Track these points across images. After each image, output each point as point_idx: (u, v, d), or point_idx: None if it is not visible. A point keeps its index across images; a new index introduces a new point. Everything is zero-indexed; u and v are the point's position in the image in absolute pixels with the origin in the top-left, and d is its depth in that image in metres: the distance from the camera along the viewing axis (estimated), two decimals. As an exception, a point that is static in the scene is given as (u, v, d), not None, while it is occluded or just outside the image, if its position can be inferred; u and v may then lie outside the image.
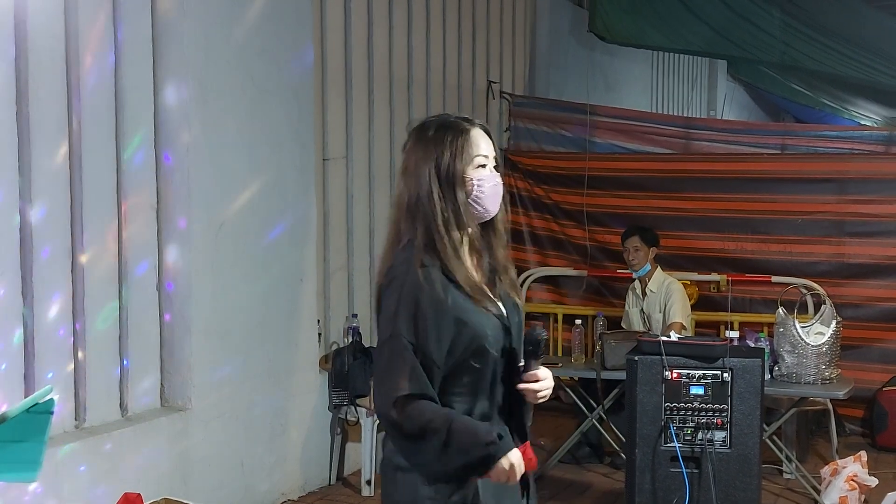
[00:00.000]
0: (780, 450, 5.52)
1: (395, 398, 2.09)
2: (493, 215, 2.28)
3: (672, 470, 3.72)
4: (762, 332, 5.68)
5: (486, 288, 2.25)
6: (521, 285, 7.57)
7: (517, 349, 2.27)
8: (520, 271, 7.63)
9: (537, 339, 2.25)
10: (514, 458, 2.13)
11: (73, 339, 4.02)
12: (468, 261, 2.26)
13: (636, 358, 3.77)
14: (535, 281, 7.62)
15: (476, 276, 2.25)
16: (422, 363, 2.12)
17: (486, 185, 2.22)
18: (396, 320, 2.12)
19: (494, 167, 2.28)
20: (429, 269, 2.17)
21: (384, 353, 2.14)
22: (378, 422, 2.32)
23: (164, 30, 4.39)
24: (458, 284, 2.18)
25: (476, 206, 2.23)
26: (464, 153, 2.22)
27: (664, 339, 3.78)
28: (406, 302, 2.13)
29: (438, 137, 2.24)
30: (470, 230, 2.25)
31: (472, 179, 2.22)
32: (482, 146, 2.25)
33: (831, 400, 5.72)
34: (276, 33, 4.93)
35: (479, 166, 2.24)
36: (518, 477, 2.14)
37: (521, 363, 2.26)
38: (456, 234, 2.21)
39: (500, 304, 2.27)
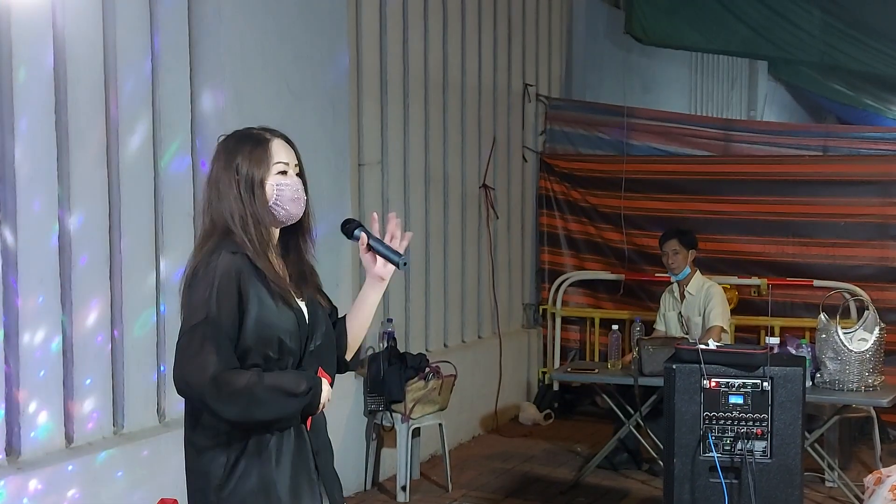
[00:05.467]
0: (822, 458, 5.43)
1: (207, 375, 2.25)
2: (296, 218, 2.45)
3: (711, 480, 3.66)
4: (804, 338, 5.58)
5: (288, 285, 2.43)
6: (558, 289, 7.52)
7: (319, 345, 2.46)
8: (556, 275, 7.60)
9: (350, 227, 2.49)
10: (326, 394, 2.40)
11: (110, 345, 4.05)
12: (274, 259, 2.43)
13: (674, 366, 3.71)
14: (571, 285, 7.57)
15: (281, 273, 2.43)
16: (230, 341, 2.30)
17: (285, 189, 2.40)
18: (209, 304, 2.28)
19: (297, 174, 2.44)
20: (236, 256, 2.33)
21: (197, 335, 2.27)
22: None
23: (201, 37, 4.41)
24: (263, 276, 2.35)
25: (278, 208, 2.40)
26: (262, 162, 2.39)
27: (702, 346, 3.72)
28: (217, 286, 2.29)
29: (238, 148, 2.42)
30: (273, 231, 2.44)
31: (272, 185, 2.40)
32: (281, 154, 2.42)
33: (875, 407, 5.62)
34: (311, 39, 4.94)
35: (279, 172, 2.41)
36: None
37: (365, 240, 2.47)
38: (258, 234, 2.38)
39: (301, 304, 2.44)
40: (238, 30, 4.50)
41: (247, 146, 2.40)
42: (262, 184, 2.38)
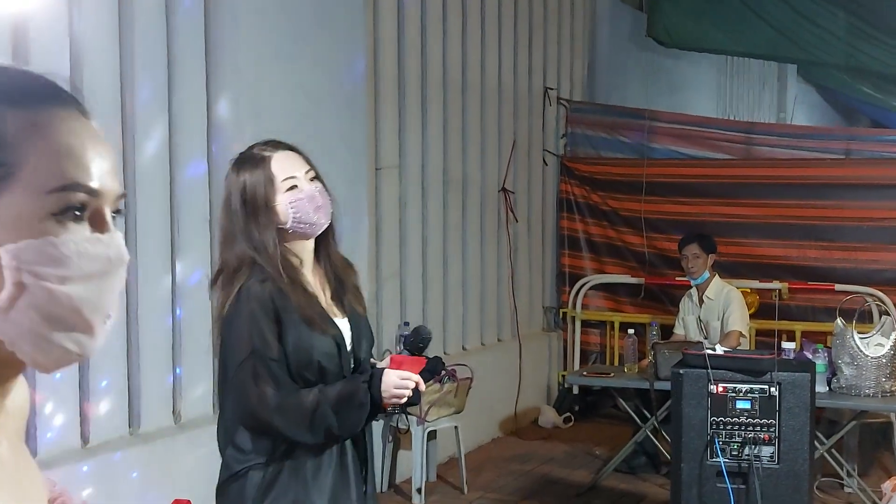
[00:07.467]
0: (840, 464, 5.39)
1: (270, 407, 2.23)
2: (323, 227, 2.34)
3: (718, 485, 3.66)
4: (824, 342, 5.54)
5: (323, 308, 2.34)
6: (578, 293, 7.51)
7: (362, 360, 2.40)
8: (576, 278, 7.59)
9: (425, 337, 2.40)
10: (390, 384, 2.26)
11: (127, 347, 4.12)
12: (305, 278, 2.34)
13: (681, 371, 3.71)
14: (591, 288, 7.56)
15: (316, 293, 2.34)
16: (282, 366, 2.27)
17: (302, 203, 2.28)
18: (252, 336, 2.23)
19: (313, 178, 2.33)
20: (266, 283, 2.26)
21: (248, 371, 2.24)
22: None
23: (217, 43, 4.47)
24: (294, 306, 2.27)
25: (299, 225, 2.30)
26: (267, 183, 2.28)
27: (709, 352, 3.71)
28: (254, 317, 2.24)
29: (241, 173, 2.31)
30: (301, 246, 2.34)
31: (284, 204, 2.28)
32: (287, 168, 2.31)
33: (893, 412, 5.57)
34: (328, 43, 4.98)
35: (290, 188, 2.29)
36: (412, 383, 2.29)
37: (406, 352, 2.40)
38: (283, 258, 2.28)
39: (339, 322, 2.35)
40: (254, 35, 4.55)
41: (247, 169, 2.30)
42: (271, 206, 2.27)
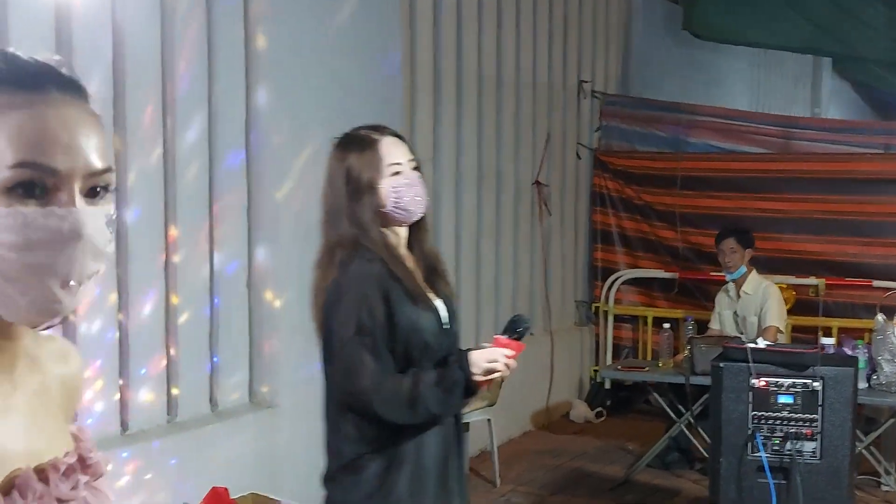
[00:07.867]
0: (879, 461, 5.33)
1: (370, 386, 2.25)
2: (420, 215, 2.38)
3: (759, 480, 3.63)
4: (860, 339, 5.47)
5: (425, 287, 2.37)
6: (611, 287, 7.47)
7: (456, 342, 2.43)
8: (609, 272, 7.55)
9: (524, 324, 2.36)
10: (480, 359, 2.25)
11: (165, 335, 4.14)
12: (406, 261, 2.36)
13: (721, 365, 3.68)
14: (624, 283, 7.52)
15: (415, 274, 2.37)
16: (385, 347, 2.28)
17: (403, 190, 2.33)
18: (359, 314, 2.25)
19: (414, 168, 2.37)
20: (374, 262, 2.29)
21: (352, 349, 2.25)
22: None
23: (256, 34, 4.48)
24: (400, 283, 2.29)
25: (398, 211, 2.33)
26: (373, 165, 2.31)
27: (751, 345, 3.68)
28: (362, 295, 2.26)
29: (347, 153, 2.33)
30: (399, 231, 2.37)
31: (388, 188, 2.33)
32: (393, 154, 2.34)
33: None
34: (364, 35, 4.98)
35: (394, 174, 2.32)
36: (507, 362, 2.28)
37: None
38: (384, 239, 2.32)
39: (437, 303, 2.38)
40: (292, 26, 4.56)
41: (355, 150, 2.34)
42: (375, 189, 2.31)
